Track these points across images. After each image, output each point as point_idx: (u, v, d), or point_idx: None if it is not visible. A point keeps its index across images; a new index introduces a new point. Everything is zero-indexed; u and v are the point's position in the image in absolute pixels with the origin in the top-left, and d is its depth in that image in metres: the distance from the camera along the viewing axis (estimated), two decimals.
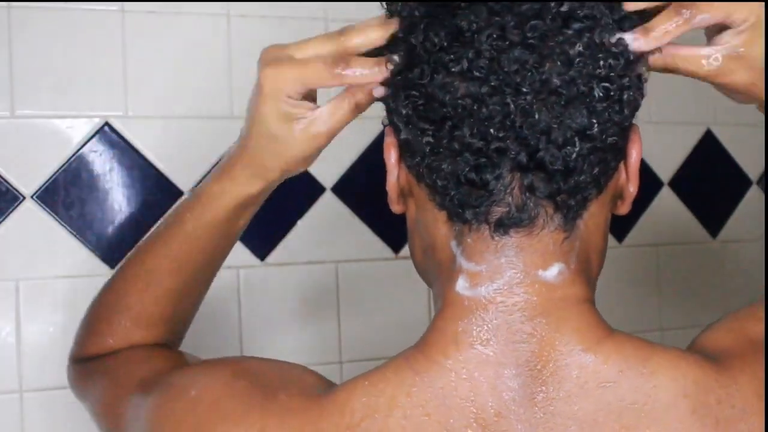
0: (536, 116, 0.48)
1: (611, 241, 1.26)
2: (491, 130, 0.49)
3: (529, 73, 0.48)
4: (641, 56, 0.53)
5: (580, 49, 0.49)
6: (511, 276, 0.52)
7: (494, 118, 0.48)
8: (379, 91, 0.54)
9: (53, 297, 0.98)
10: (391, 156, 0.56)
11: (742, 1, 0.54)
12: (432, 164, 0.51)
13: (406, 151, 0.54)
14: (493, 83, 0.48)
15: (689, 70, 0.56)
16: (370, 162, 1.11)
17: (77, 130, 1.00)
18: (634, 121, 0.55)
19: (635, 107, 0.53)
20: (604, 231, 0.57)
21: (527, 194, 0.50)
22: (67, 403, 0.97)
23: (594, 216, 0.55)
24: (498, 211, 0.51)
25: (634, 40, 0.52)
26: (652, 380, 0.51)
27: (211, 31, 1.06)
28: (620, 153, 0.54)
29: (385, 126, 0.56)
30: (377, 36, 0.55)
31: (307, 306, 1.09)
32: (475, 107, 0.49)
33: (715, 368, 0.52)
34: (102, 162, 1.01)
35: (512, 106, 0.48)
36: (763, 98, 0.58)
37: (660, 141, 1.29)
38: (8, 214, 0.97)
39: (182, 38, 1.04)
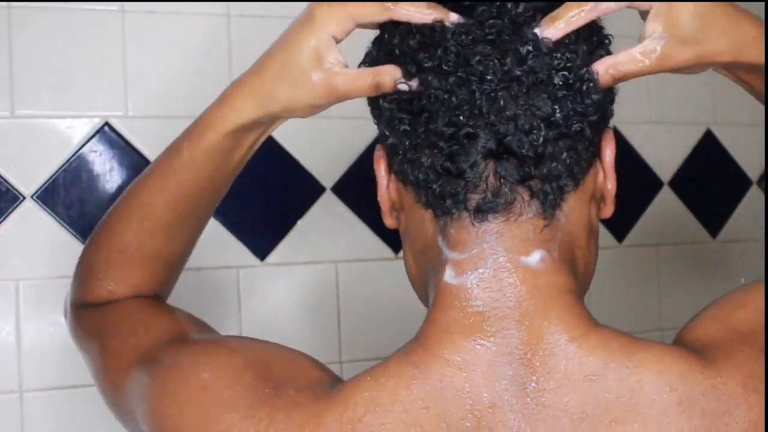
0: (501, 103, 0.52)
1: (611, 241, 1.27)
2: (461, 118, 0.52)
3: (491, 63, 0.52)
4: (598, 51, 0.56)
5: (530, 47, 0.52)
6: (493, 261, 0.54)
7: (463, 106, 0.52)
8: (403, 86, 0.56)
9: (53, 297, 0.98)
10: (381, 168, 0.60)
11: None
12: (413, 158, 0.55)
13: (392, 155, 0.57)
14: (460, 74, 0.52)
15: (636, 72, 0.56)
16: (370, 162, 1.11)
17: (77, 130, 1.00)
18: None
19: (601, 101, 0.55)
20: (588, 230, 0.59)
21: (501, 180, 0.53)
22: (67, 403, 0.98)
23: (574, 210, 0.56)
24: (475, 198, 0.53)
25: (542, 31, 0.54)
26: (637, 374, 0.52)
27: (211, 31, 1.06)
28: (592, 145, 0.56)
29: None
30: None
31: (307, 306, 1.09)
32: (445, 97, 0.53)
33: (700, 361, 0.53)
34: (102, 162, 1.01)
35: (478, 93, 0.52)
36: (718, 60, 0.58)
37: (660, 141, 1.29)
38: (8, 214, 0.97)
39: (182, 38, 1.04)
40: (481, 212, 0.53)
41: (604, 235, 1.26)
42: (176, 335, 0.65)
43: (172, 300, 1.04)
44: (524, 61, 0.52)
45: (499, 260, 0.54)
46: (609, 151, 0.58)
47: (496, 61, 0.52)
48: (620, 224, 1.27)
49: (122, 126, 1.02)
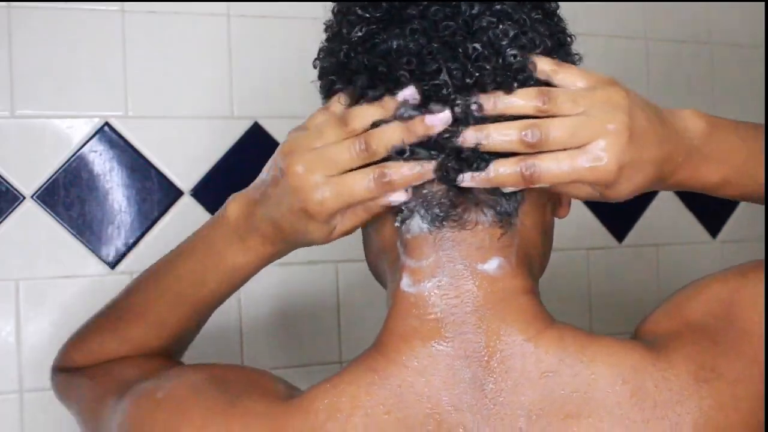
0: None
1: (611, 241, 1.27)
2: None
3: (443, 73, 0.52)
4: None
5: (479, 45, 0.53)
6: (450, 270, 0.54)
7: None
8: (400, 197, 0.54)
9: (53, 297, 0.98)
10: None
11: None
12: None
13: None
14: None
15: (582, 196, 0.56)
16: None
17: (77, 130, 1.00)
18: None
19: None
20: (542, 231, 0.59)
21: (457, 192, 0.54)
22: None
23: (530, 215, 0.57)
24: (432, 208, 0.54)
25: (470, 132, 0.53)
26: (590, 368, 0.53)
27: (211, 31, 1.06)
28: None
29: None
30: (377, 113, 0.55)
31: (307, 306, 1.09)
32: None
33: (653, 353, 0.54)
34: (102, 162, 1.01)
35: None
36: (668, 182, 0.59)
37: None
38: (8, 214, 0.97)
39: (182, 38, 1.04)
40: (437, 221, 0.54)
41: (605, 235, 1.26)
42: (158, 367, 0.66)
43: None
44: (476, 59, 0.52)
45: (456, 268, 0.54)
46: None
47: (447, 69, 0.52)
48: (620, 224, 1.27)
49: (122, 126, 1.02)
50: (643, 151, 0.53)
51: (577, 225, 1.23)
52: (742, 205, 1.35)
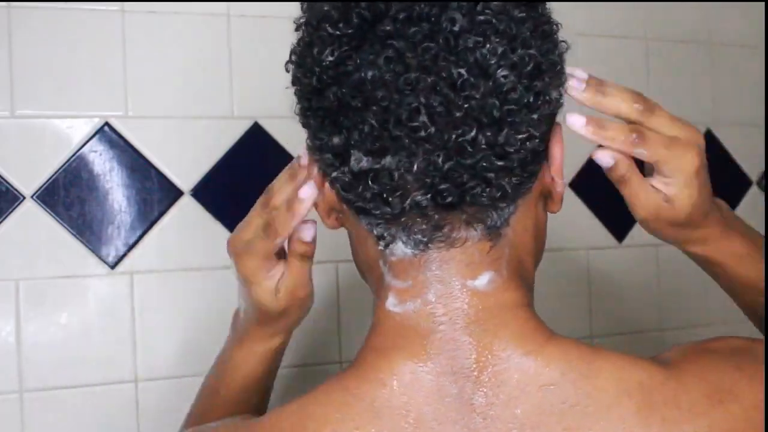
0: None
1: (611, 241, 1.27)
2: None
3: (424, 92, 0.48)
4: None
5: (464, 71, 0.47)
6: (438, 289, 0.52)
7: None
8: (309, 234, 0.61)
9: (53, 297, 0.98)
10: (313, 171, 0.58)
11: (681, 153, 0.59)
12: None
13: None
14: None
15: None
16: None
17: (77, 130, 1.00)
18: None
19: (551, 113, 0.53)
20: (533, 232, 0.57)
21: (442, 212, 0.51)
22: (66, 403, 0.97)
23: (520, 221, 0.55)
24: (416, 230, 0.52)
25: (584, 125, 0.55)
26: (594, 381, 0.51)
27: (211, 31, 1.05)
28: (537, 156, 0.53)
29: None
30: (291, 188, 0.60)
31: None
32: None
33: (664, 371, 0.52)
34: (102, 162, 1.01)
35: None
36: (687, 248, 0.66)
37: None
38: (8, 214, 0.97)
39: (182, 38, 1.04)
40: (421, 245, 0.52)
41: (605, 235, 1.26)
42: None
43: (177, 299, 1.04)
44: (457, 87, 0.47)
45: (445, 287, 0.52)
46: (558, 152, 0.55)
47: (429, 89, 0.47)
48: (620, 224, 1.27)
49: (122, 126, 1.02)
50: (705, 191, 0.61)
51: (577, 225, 1.23)
52: (742, 205, 1.35)
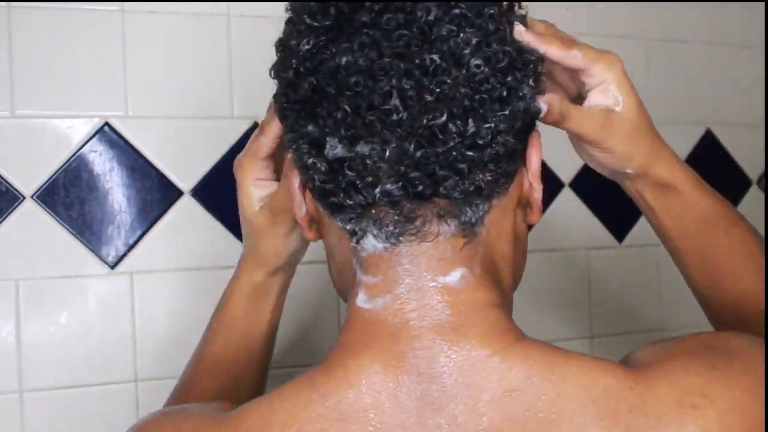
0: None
1: (611, 241, 1.27)
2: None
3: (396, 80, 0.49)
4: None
5: (437, 57, 0.49)
6: (408, 284, 0.52)
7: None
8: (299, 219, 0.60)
9: (53, 297, 0.98)
10: (295, 182, 0.58)
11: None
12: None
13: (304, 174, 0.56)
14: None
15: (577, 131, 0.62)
16: None
17: (77, 130, 1.00)
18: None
19: (525, 109, 0.53)
20: (511, 240, 0.56)
21: (414, 203, 0.51)
22: (66, 403, 0.97)
23: (496, 223, 0.54)
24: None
25: (524, 31, 0.54)
26: (558, 387, 0.49)
27: (211, 31, 1.06)
28: (514, 155, 0.53)
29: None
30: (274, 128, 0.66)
31: (307, 306, 1.09)
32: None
33: (632, 375, 0.50)
34: (102, 162, 1.01)
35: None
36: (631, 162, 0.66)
37: None
38: (8, 214, 0.97)
39: (182, 38, 1.04)
40: (392, 237, 0.51)
41: (605, 235, 1.26)
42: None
43: (177, 299, 1.05)
44: (429, 73, 0.49)
45: (415, 282, 0.52)
46: (535, 158, 0.55)
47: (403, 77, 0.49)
48: (620, 224, 1.27)
49: (122, 126, 1.02)
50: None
51: (577, 225, 1.23)
52: (742, 205, 1.35)
